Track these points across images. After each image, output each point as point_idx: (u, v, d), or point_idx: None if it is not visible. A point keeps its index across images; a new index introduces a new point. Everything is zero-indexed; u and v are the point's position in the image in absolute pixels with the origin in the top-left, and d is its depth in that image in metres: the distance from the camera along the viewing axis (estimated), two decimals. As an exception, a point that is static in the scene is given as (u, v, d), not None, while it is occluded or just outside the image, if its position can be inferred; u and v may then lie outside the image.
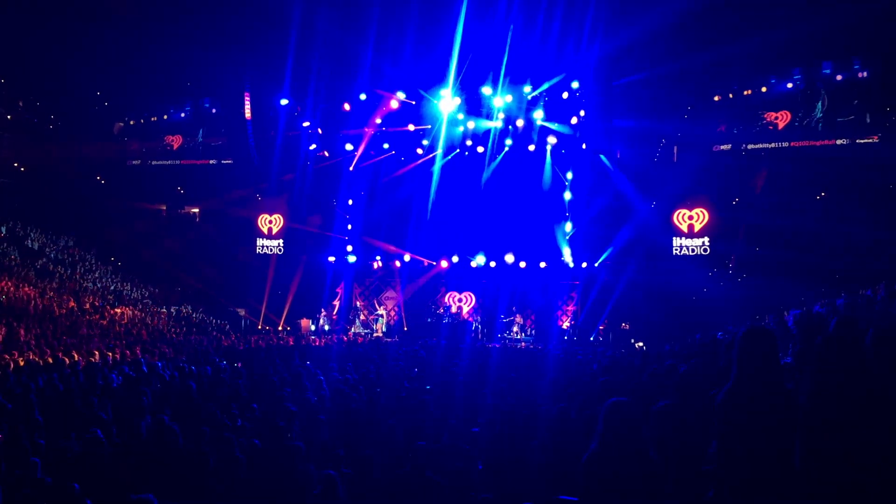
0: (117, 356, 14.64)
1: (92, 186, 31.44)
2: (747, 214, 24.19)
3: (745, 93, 24.94)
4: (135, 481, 5.93)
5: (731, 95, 25.16)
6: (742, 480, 3.35)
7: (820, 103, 23.43)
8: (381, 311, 27.99)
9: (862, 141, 22.80)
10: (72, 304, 23.06)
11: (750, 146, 24.78)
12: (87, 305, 23.55)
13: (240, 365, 13.42)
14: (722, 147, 24.72)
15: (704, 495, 3.58)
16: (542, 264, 25.88)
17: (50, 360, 13.60)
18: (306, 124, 27.90)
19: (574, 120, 25.66)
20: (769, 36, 21.53)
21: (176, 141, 30.45)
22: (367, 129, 27.69)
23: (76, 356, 14.12)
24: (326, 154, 28.71)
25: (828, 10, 19.85)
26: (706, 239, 24.74)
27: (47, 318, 20.56)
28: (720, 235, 24.78)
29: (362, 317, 27.54)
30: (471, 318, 25.55)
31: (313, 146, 28.28)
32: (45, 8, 24.54)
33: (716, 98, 25.24)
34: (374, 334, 26.12)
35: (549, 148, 26.42)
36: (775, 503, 3.30)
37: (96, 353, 15.01)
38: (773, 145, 24.22)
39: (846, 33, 21.06)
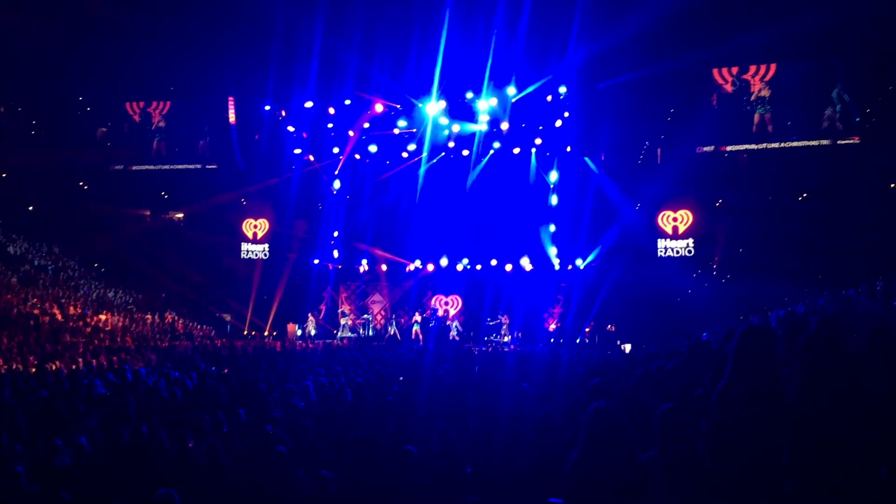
0: (102, 363, 14.53)
1: (75, 192, 31.12)
2: (731, 216, 24.37)
3: (728, 91, 25.05)
4: (120, 489, 5.89)
5: (714, 97, 25.26)
6: (734, 476, 3.38)
7: (802, 104, 23.61)
8: (367, 315, 27.94)
9: (843, 142, 23.00)
10: (55, 311, 22.84)
11: (732, 148, 24.93)
12: (71, 312, 23.33)
13: (227, 371, 13.36)
14: (705, 149, 24.86)
15: (697, 495, 3.59)
16: (528, 267, 25.95)
17: (33, 368, 13.48)
18: (291, 129, 27.81)
19: (558, 123, 25.73)
20: (751, 37, 21.69)
21: (159, 146, 30.21)
22: (352, 133, 27.66)
23: (60, 364, 13.99)
24: (311, 158, 28.65)
25: (810, 9, 19.98)
26: (690, 240, 24.90)
27: (30, 326, 20.36)
28: (704, 237, 24.94)
29: (349, 321, 27.46)
30: (449, 322, 25.49)
31: (298, 150, 28.20)
32: (24, 13, 24.28)
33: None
34: (361, 339, 26.05)
35: (533, 151, 26.54)
36: (766, 500, 3.33)
37: (80, 360, 14.91)
38: (755, 146, 24.38)
39: (828, 34, 21.22)
